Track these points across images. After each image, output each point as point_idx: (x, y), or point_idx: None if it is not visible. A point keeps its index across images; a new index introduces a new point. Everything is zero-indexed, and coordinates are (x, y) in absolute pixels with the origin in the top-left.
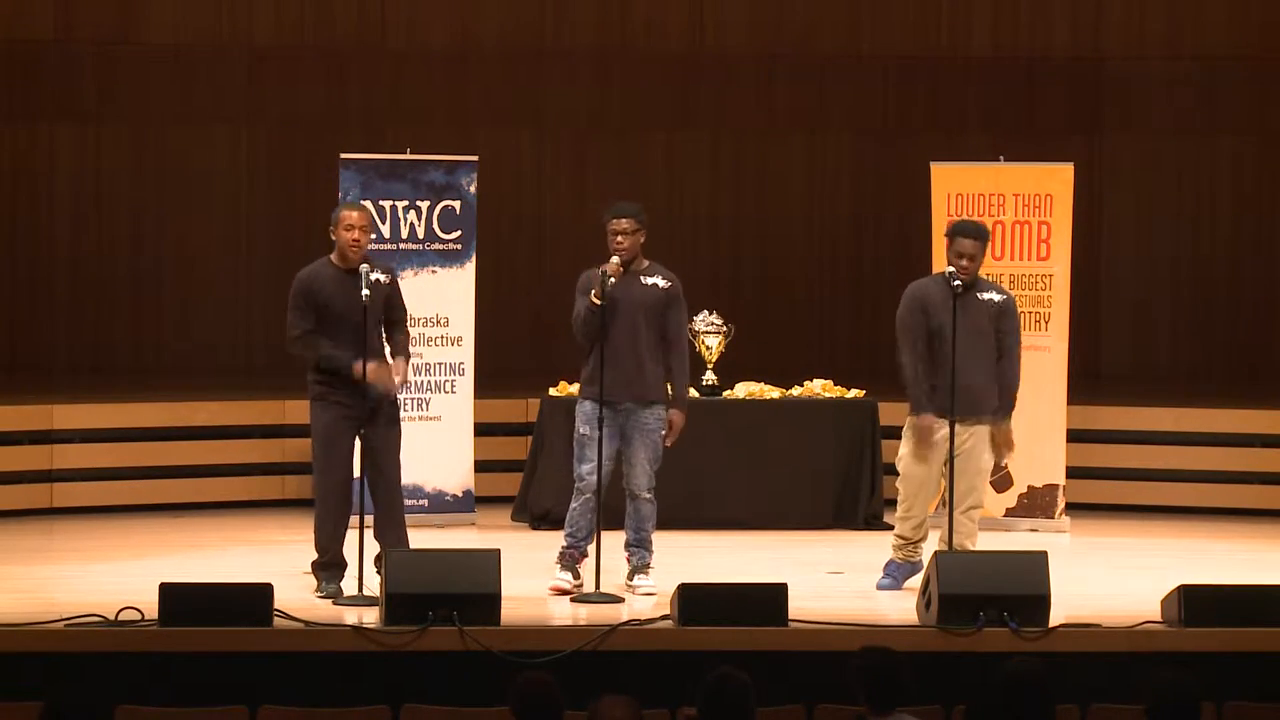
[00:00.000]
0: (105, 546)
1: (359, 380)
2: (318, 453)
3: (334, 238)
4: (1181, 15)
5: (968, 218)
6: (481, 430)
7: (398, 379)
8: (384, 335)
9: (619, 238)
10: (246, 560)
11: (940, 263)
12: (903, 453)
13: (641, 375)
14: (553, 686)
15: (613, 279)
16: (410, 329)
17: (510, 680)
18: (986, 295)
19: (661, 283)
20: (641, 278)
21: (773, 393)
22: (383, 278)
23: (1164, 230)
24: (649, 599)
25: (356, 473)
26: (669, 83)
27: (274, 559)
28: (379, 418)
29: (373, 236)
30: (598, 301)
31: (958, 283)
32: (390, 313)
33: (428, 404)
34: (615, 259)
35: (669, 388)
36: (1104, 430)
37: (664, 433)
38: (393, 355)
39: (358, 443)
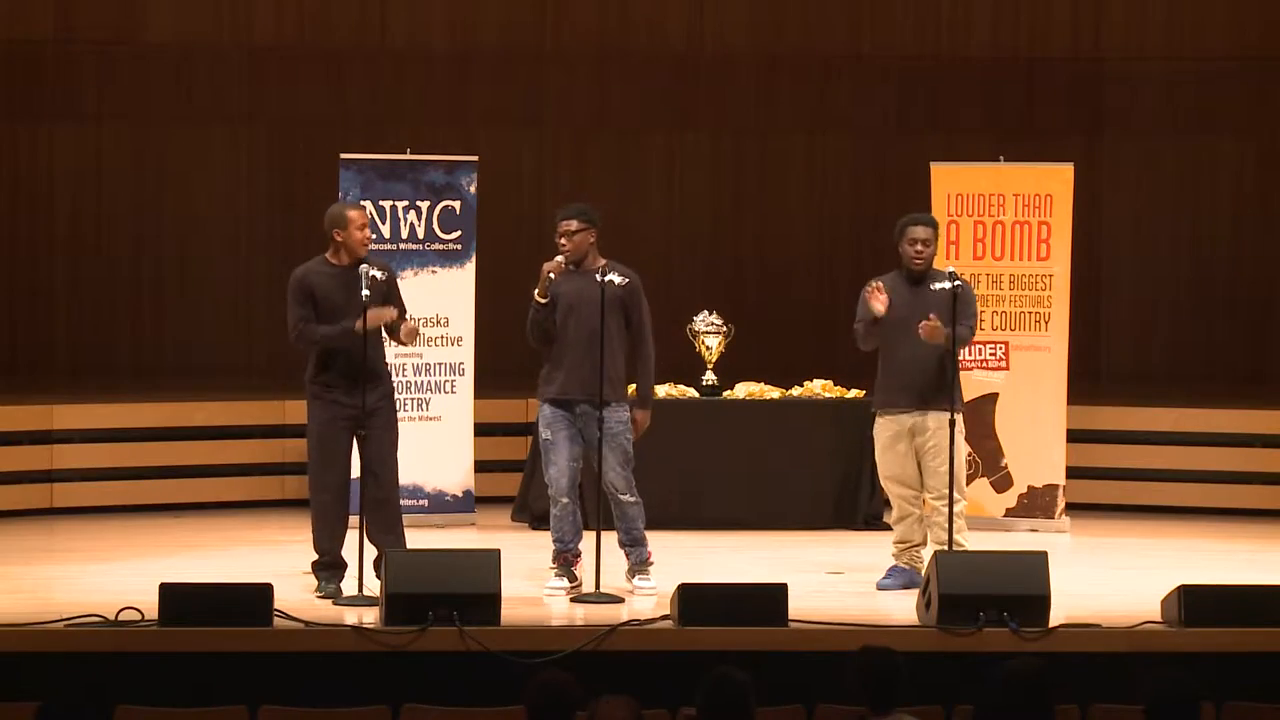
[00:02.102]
0: (105, 546)
1: (361, 333)
2: (313, 453)
3: (339, 239)
4: (1181, 15)
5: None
6: (481, 430)
7: (396, 318)
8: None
9: (563, 239)
10: (246, 560)
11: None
12: (876, 457)
13: (597, 374)
14: (569, 684)
15: (552, 275)
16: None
17: (524, 678)
18: (938, 285)
19: (617, 279)
20: (596, 276)
21: (773, 393)
22: (379, 274)
23: (1164, 230)
24: (649, 599)
25: (355, 473)
26: (669, 83)
27: (274, 559)
28: (376, 418)
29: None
30: (542, 300)
31: (951, 270)
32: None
33: (428, 404)
34: (558, 258)
35: (631, 388)
36: (1104, 430)
37: (629, 436)
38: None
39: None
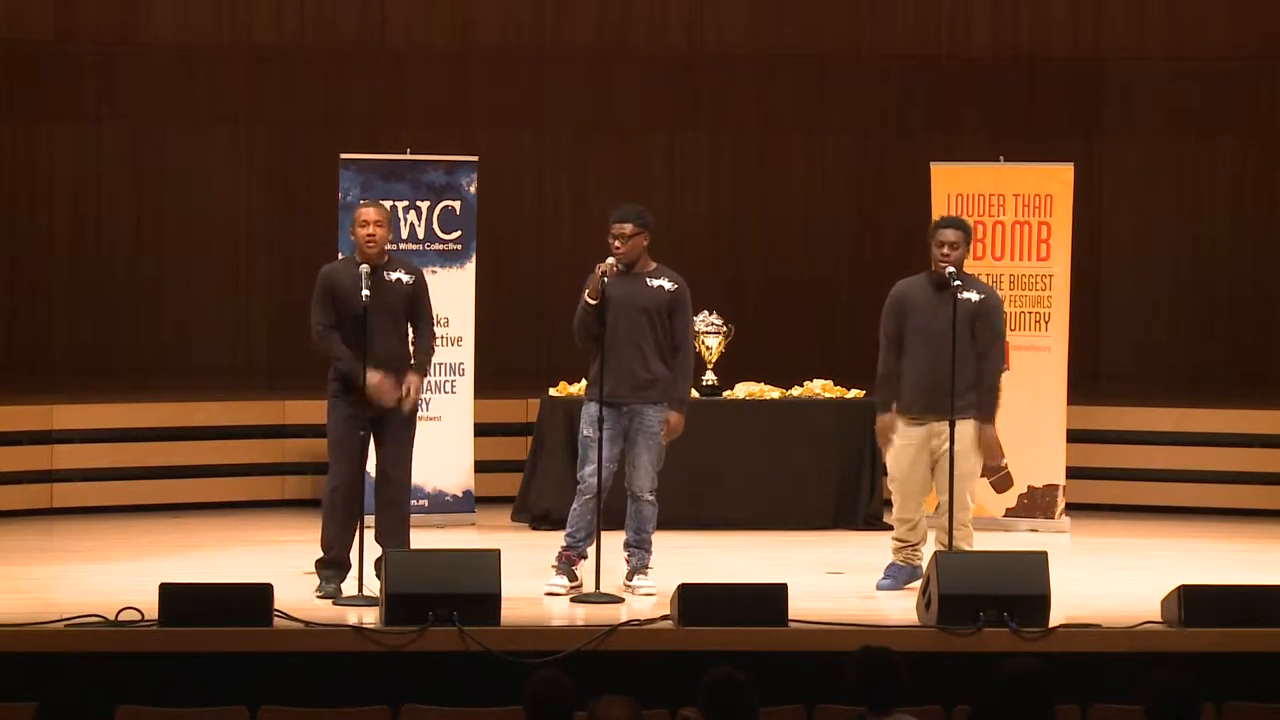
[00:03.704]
0: (105, 546)
1: (363, 389)
2: (330, 451)
3: (353, 237)
4: (1181, 15)
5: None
6: (481, 430)
7: (404, 394)
8: (410, 337)
9: (617, 241)
10: (246, 560)
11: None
12: (888, 456)
13: (646, 376)
14: (565, 684)
15: (606, 279)
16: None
17: (524, 678)
18: (966, 295)
19: (667, 285)
20: (647, 280)
21: (773, 393)
22: (405, 278)
23: (1164, 230)
24: (649, 599)
25: (372, 472)
26: (669, 83)
27: (274, 559)
28: (391, 419)
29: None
30: (592, 301)
31: (950, 271)
32: (412, 314)
33: (428, 404)
34: (610, 259)
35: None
36: (1104, 430)
37: (664, 437)
38: (411, 369)
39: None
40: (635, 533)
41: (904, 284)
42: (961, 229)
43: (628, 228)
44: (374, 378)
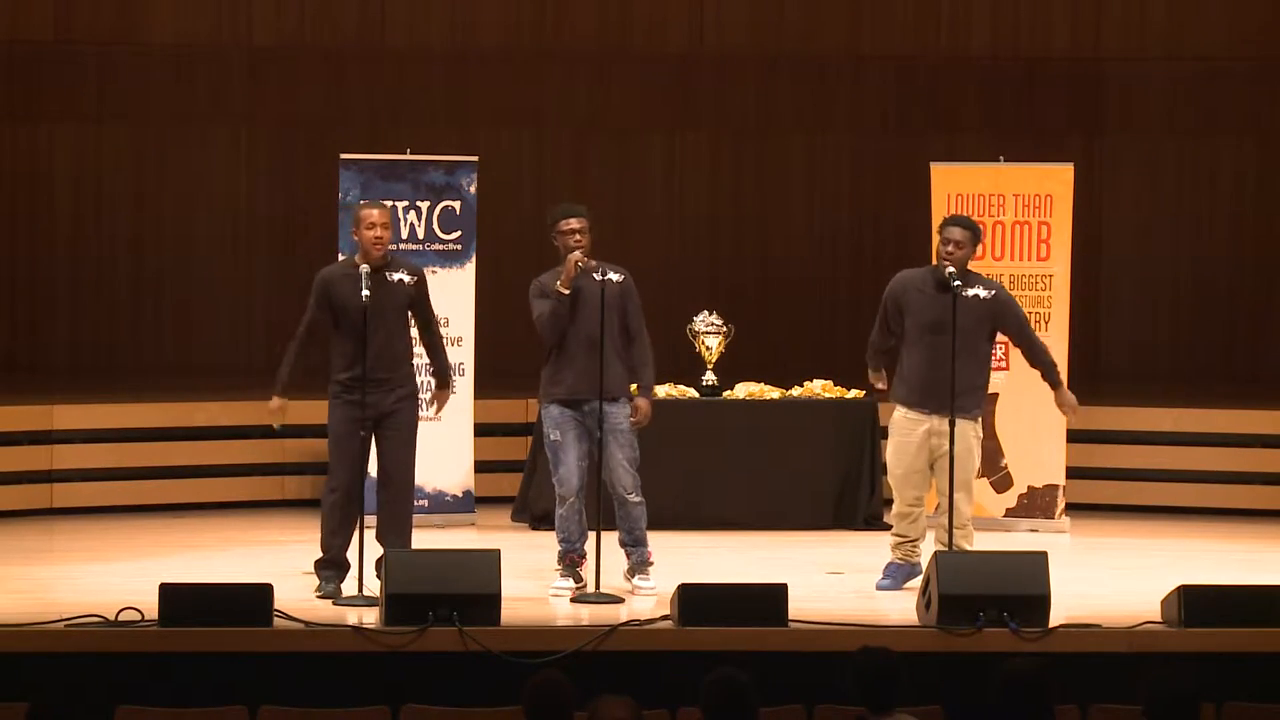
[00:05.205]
0: (105, 546)
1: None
2: (330, 451)
3: (355, 238)
4: (1181, 15)
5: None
6: (481, 430)
7: (434, 410)
8: (419, 338)
9: (577, 235)
10: (246, 560)
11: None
12: (887, 450)
13: (605, 372)
14: (564, 685)
15: (581, 265)
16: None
17: (524, 679)
18: (973, 291)
19: (615, 277)
20: (594, 275)
21: (773, 393)
22: (407, 278)
23: (1164, 230)
24: (649, 599)
25: (373, 473)
26: (669, 83)
27: (274, 559)
28: (394, 420)
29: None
30: (565, 290)
31: (950, 270)
32: (417, 316)
33: (428, 404)
34: (578, 252)
35: (635, 384)
36: (1104, 430)
37: (633, 420)
38: (435, 385)
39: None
40: (629, 533)
41: (905, 276)
42: (969, 229)
43: (583, 222)
44: (275, 403)
